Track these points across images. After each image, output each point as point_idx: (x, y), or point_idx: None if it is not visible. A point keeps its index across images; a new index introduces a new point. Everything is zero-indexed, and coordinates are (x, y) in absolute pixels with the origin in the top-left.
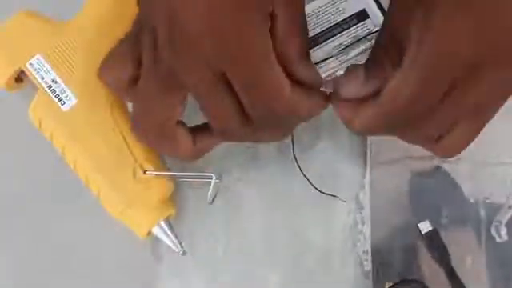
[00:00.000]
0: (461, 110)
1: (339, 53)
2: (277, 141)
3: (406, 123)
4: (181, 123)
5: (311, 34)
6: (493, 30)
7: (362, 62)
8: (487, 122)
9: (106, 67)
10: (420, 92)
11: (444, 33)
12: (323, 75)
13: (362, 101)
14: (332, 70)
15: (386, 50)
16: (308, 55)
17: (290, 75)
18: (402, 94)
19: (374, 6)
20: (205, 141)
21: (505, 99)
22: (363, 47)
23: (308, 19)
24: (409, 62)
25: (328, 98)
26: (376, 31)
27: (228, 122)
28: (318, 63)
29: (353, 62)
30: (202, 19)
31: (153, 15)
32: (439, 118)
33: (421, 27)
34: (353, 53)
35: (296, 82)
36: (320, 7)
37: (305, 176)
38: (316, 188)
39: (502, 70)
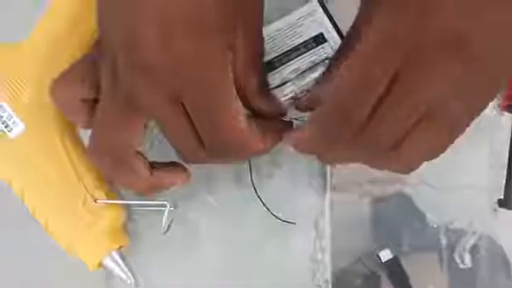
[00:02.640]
0: (408, 111)
1: (296, 77)
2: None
3: (353, 128)
4: (139, 153)
5: (268, 58)
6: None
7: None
8: (448, 133)
9: (59, 85)
10: (359, 82)
11: (381, 25)
12: (286, 97)
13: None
14: (289, 95)
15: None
16: (267, 86)
17: (249, 108)
18: (343, 88)
19: (331, 30)
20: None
21: (459, 101)
22: (320, 71)
23: (264, 43)
24: (351, 56)
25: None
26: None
27: (185, 146)
28: (274, 88)
29: (309, 85)
30: (160, 44)
31: (112, 39)
32: (388, 119)
33: (364, 23)
34: (310, 77)
35: (256, 113)
36: (277, 31)
37: (262, 202)
38: (273, 214)
39: (439, 67)
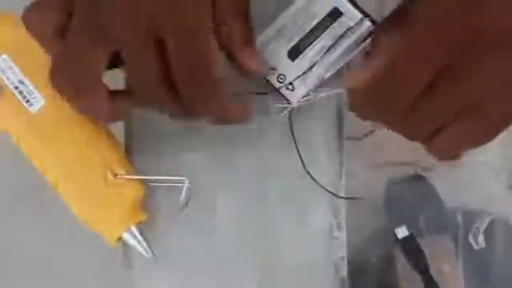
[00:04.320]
0: (452, 102)
1: (323, 56)
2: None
3: (396, 98)
4: (101, 81)
5: (291, 44)
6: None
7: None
8: (489, 127)
9: (32, 12)
10: (410, 61)
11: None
12: (313, 82)
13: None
14: (321, 75)
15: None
16: (252, 43)
17: (234, 62)
18: (392, 54)
19: (344, 2)
20: (123, 101)
21: (504, 100)
22: (346, 45)
23: (285, 30)
24: (405, 29)
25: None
26: (354, 25)
27: (149, 82)
28: (305, 72)
29: (339, 61)
30: None
31: None
32: (430, 107)
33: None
34: (337, 52)
35: (242, 72)
36: (291, 16)
37: (298, 152)
38: (309, 174)
39: (490, 61)
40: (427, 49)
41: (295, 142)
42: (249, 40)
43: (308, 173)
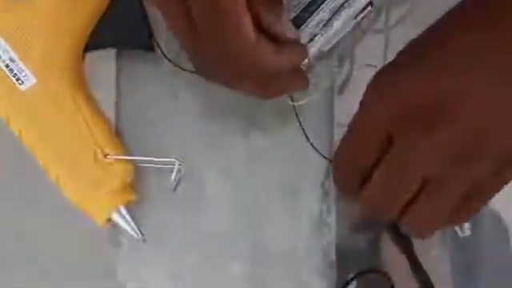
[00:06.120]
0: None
1: (322, 28)
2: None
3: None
4: None
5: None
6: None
7: None
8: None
9: None
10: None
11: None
12: (313, 54)
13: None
14: (321, 47)
15: None
16: (280, 8)
17: (259, 26)
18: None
19: None
20: None
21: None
22: (344, 17)
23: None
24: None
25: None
26: None
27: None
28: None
29: (339, 33)
30: None
31: None
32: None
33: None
34: (336, 24)
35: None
36: None
37: (302, 128)
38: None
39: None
40: (368, 125)
41: (297, 115)
42: (275, 4)
43: (311, 145)
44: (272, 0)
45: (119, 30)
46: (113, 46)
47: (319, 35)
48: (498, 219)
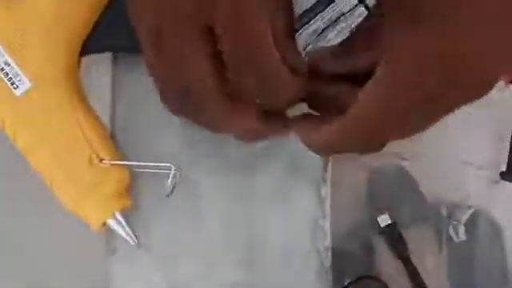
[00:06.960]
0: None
1: (316, 38)
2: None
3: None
4: None
5: None
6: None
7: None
8: None
9: None
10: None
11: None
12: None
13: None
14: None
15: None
16: (293, 37)
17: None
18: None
19: None
20: None
21: None
22: (339, 29)
23: None
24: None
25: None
26: (349, 11)
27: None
28: None
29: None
30: None
31: None
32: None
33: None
34: (330, 35)
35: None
36: None
37: None
38: None
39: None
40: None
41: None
42: (291, 35)
43: None
44: (289, 28)
45: (115, 34)
46: (109, 50)
47: (312, 45)
48: (492, 224)
